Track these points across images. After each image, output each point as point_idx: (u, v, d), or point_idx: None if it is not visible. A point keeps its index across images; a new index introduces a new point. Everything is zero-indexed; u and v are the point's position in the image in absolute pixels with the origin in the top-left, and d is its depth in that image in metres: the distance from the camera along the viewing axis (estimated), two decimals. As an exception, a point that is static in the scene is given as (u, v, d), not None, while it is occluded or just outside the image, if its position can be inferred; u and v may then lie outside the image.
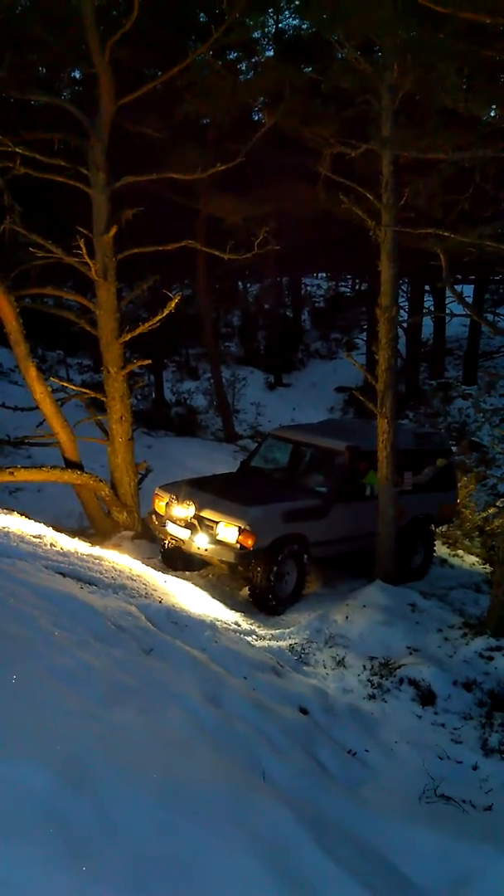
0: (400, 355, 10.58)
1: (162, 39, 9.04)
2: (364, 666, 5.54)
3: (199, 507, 6.81)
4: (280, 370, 19.54)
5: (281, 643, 5.86)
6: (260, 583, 6.61)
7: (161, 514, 7.23)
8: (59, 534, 6.47)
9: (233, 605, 6.79)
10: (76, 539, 6.74)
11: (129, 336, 7.91)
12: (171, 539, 7.06)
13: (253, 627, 6.17)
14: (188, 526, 6.83)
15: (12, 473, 7.52)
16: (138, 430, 10.52)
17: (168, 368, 18.85)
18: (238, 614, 6.49)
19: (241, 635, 5.69)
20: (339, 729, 4.45)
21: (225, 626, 5.72)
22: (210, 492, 7.04)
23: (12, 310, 7.43)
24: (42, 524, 6.57)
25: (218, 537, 6.61)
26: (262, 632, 6.12)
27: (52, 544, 5.82)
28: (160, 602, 5.36)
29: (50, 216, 11.09)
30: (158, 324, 7.96)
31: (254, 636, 5.87)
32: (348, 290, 28.90)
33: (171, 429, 14.30)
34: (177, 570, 7.30)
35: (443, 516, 8.67)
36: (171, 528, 7.00)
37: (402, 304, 13.98)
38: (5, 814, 2.03)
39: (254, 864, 2.24)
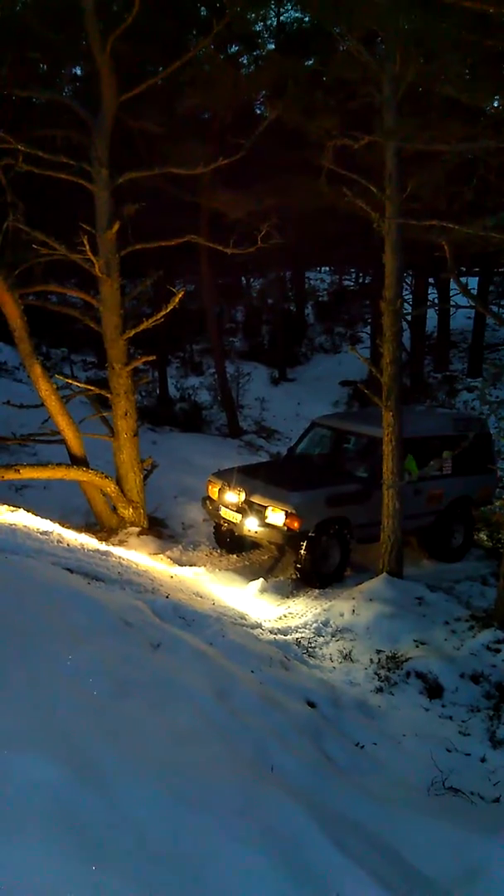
0: (404, 348, 10.52)
1: (163, 34, 8.99)
2: (371, 659, 5.55)
3: (249, 493, 7.36)
4: (284, 365, 19.45)
5: (288, 637, 5.87)
6: (306, 562, 7.08)
7: (214, 499, 7.82)
8: (65, 530, 6.51)
9: (240, 598, 6.82)
10: (83, 535, 6.77)
11: (133, 332, 7.90)
12: (224, 522, 7.63)
13: (260, 621, 6.18)
14: (239, 510, 7.39)
15: (18, 471, 7.53)
16: (143, 426, 10.51)
17: (172, 364, 18.82)
18: (245, 608, 6.50)
19: (248, 629, 5.71)
20: (347, 722, 4.47)
21: (232, 620, 5.73)
22: (259, 478, 7.58)
23: (16, 307, 7.43)
24: (49, 521, 6.60)
25: (267, 520, 7.14)
26: (268, 625, 6.13)
27: (58, 541, 5.85)
28: (167, 597, 5.38)
29: (53, 213, 11.09)
30: (162, 320, 7.94)
31: (260, 630, 5.88)
32: (352, 283, 28.77)
33: (176, 425, 14.28)
34: (228, 552, 8.14)
35: (482, 498, 8.88)
36: (224, 513, 7.57)
37: (406, 297, 13.87)
38: (15, 808, 2.05)
39: (264, 857, 2.25)
